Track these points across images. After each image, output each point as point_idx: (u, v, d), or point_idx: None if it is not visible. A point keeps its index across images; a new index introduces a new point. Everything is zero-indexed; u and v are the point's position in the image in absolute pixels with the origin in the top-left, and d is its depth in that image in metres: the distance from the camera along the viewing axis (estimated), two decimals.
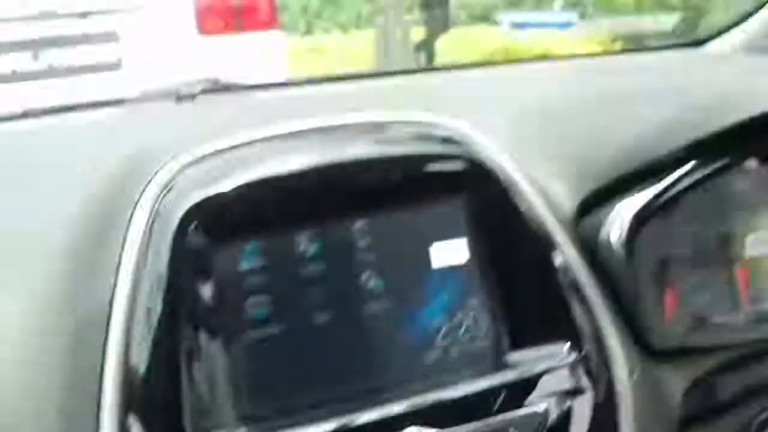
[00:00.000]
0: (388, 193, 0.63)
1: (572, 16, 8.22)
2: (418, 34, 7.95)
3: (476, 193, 0.64)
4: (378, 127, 0.69)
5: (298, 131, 0.67)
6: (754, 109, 0.69)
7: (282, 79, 1.05)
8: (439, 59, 7.12)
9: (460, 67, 1.10)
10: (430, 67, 1.21)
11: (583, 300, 0.67)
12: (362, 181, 0.63)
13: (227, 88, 0.92)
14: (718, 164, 0.69)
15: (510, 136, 0.74)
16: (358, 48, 9.30)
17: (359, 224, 0.61)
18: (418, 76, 1.04)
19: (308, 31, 10.03)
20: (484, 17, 10.13)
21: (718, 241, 0.76)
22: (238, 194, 0.59)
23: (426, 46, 7.18)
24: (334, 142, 0.66)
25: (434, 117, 0.71)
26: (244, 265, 0.58)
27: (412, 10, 9.62)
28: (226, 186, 0.59)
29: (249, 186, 0.60)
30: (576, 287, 0.67)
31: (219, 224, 0.58)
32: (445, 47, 7.42)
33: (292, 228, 0.59)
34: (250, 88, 0.94)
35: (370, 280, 0.61)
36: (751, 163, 0.75)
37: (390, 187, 0.63)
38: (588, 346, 0.64)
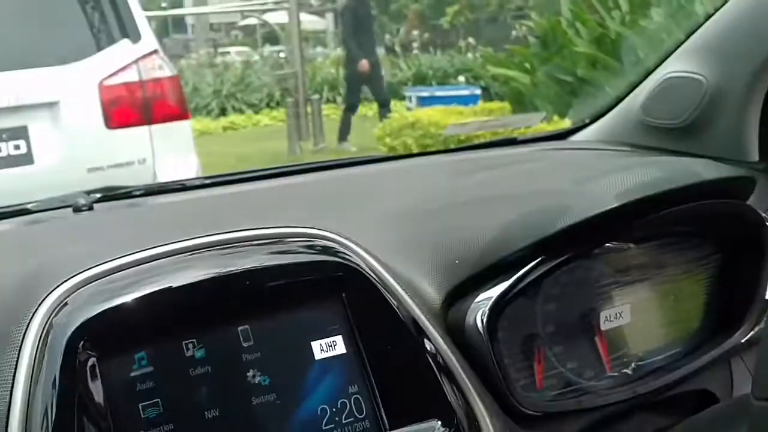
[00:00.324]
0: (272, 299, 0.70)
1: (476, 89, 8.63)
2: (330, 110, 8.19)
3: (352, 294, 0.72)
4: (264, 239, 0.76)
5: (189, 246, 0.72)
6: (606, 198, 0.80)
7: (179, 180, 1.10)
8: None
9: (341, 164, 1.17)
10: (312, 166, 1.29)
11: (453, 379, 0.74)
12: (246, 290, 0.69)
13: (124, 195, 0.97)
14: (561, 258, 0.78)
15: (383, 237, 0.82)
16: (271, 124, 9.49)
17: (244, 328, 0.68)
18: (302, 176, 1.10)
19: (222, 112, 10.18)
20: (394, 93, 10.54)
21: (578, 317, 0.85)
22: (128, 309, 0.65)
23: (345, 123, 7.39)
24: (221, 255, 0.73)
25: (315, 228, 0.79)
26: (135, 372, 0.63)
27: (320, 90, 9.91)
28: (116, 302, 0.65)
29: (139, 301, 0.65)
30: (446, 369, 0.74)
31: (110, 337, 0.63)
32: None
33: (180, 335, 0.65)
34: (147, 194, 0.99)
35: (256, 377, 0.67)
36: (601, 250, 0.85)
37: (273, 294, 0.70)
38: (460, 421, 0.71)
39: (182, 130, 3.01)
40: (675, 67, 1.19)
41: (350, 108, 7.46)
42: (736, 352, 0.93)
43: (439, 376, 0.73)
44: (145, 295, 0.65)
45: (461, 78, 10.62)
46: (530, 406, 0.78)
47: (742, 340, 0.89)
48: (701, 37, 1.17)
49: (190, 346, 0.65)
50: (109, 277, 0.67)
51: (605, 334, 0.86)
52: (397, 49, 12.90)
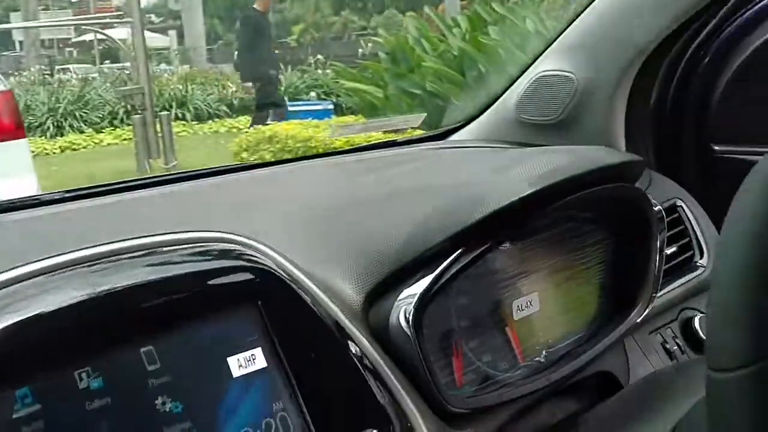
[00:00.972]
0: (178, 313, 0.62)
1: (329, 104, 8.67)
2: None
3: (268, 301, 0.65)
4: (151, 247, 0.67)
5: (66, 261, 0.63)
6: (520, 186, 0.79)
7: (33, 194, 0.97)
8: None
9: (235, 169, 1.10)
10: (191, 174, 1.19)
11: (384, 384, 0.70)
12: (142, 307, 0.61)
13: None
14: (481, 248, 0.76)
15: (291, 239, 0.76)
16: (115, 143, 9.00)
17: (147, 349, 0.59)
18: (180, 185, 1.00)
19: (58, 131, 9.49)
20: (247, 108, 10.39)
21: (490, 309, 0.84)
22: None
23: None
24: (110, 268, 0.63)
25: (212, 231, 0.71)
26: (19, 412, 0.53)
27: (169, 107, 9.54)
28: None
29: (12, 329, 0.55)
30: (375, 373, 0.70)
31: None
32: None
33: (71, 364, 0.56)
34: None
35: (167, 404, 0.58)
36: (507, 244, 0.85)
37: (178, 307, 0.62)
38: (395, 429, 0.67)
39: (18, 148, 2.78)
40: (546, 66, 1.23)
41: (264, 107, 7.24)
42: (630, 333, 0.96)
43: (369, 381, 0.68)
44: (19, 322, 0.55)
45: (313, 93, 10.64)
46: (457, 404, 0.75)
47: (638, 320, 0.93)
48: (570, 36, 1.22)
49: (84, 375, 0.55)
50: None
51: (516, 324, 0.86)
52: None
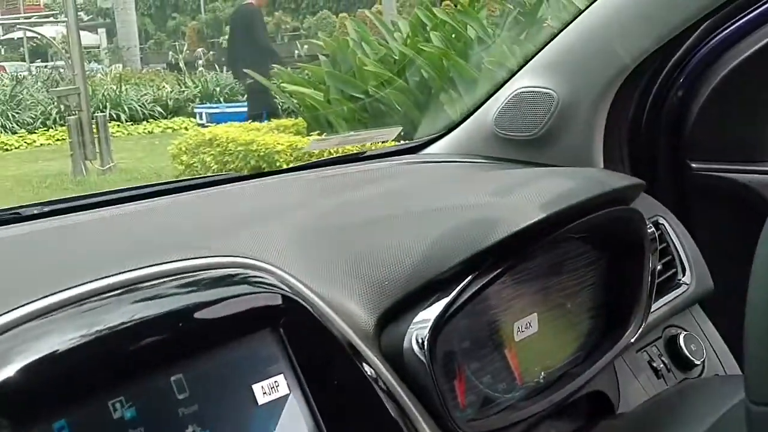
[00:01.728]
0: (200, 342, 0.60)
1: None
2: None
3: (289, 327, 0.64)
4: (171, 274, 0.65)
5: (94, 289, 0.60)
6: (532, 210, 0.78)
7: (13, 208, 0.90)
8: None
9: (208, 183, 1.03)
10: (172, 186, 1.12)
11: (400, 408, 0.69)
12: (171, 335, 0.59)
13: None
14: (495, 273, 0.76)
15: (294, 260, 0.74)
16: (48, 144, 8.65)
17: (177, 377, 0.57)
18: (168, 198, 0.96)
19: None
20: (182, 109, 10.19)
21: (492, 332, 0.83)
22: (36, 370, 0.52)
23: None
24: (133, 297, 0.61)
25: (226, 256, 0.69)
26: None
27: (104, 107, 9.24)
28: (20, 364, 0.52)
29: (48, 359, 0.53)
30: (392, 397, 0.69)
31: (19, 406, 0.50)
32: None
33: (105, 394, 0.54)
34: None
35: None
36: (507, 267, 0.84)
37: (205, 335, 0.61)
38: None
39: None
40: (525, 82, 1.23)
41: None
42: (622, 352, 0.97)
43: (385, 404, 0.67)
44: (54, 353, 0.53)
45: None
46: (461, 425, 0.74)
47: (632, 340, 0.93)
48: (551, 52, 1.23)
49: (118, 405, 0.54)
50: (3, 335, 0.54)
51: (516, 345, 0.85)
52: (182, 65, 12.47)
